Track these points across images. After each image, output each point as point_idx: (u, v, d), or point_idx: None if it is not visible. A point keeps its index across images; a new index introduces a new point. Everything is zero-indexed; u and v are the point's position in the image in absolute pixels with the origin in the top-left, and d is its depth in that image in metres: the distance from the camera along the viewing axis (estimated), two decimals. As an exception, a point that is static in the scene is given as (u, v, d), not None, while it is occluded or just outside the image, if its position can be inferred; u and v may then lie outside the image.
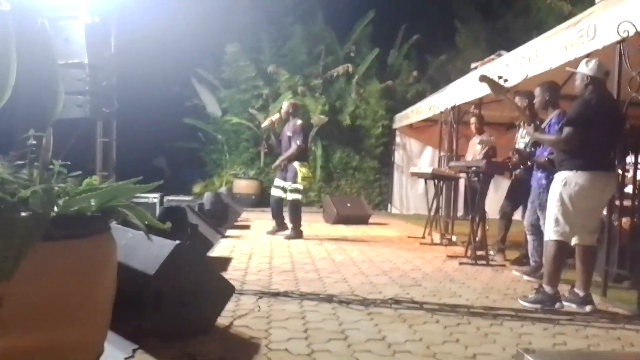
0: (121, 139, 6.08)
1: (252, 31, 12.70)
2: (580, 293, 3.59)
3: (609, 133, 3.59)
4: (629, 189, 4.48)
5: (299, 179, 6.64)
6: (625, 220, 4.13)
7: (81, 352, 1.64)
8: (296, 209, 6.74)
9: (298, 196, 6.75)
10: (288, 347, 2.55)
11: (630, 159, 4.08)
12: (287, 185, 6.73)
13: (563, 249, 3.64)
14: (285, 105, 7.13)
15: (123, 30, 5.66)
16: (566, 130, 3.57)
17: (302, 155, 6.78)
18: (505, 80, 3.98)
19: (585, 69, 3.66)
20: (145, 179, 1.86)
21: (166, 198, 7.17)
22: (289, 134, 6.81)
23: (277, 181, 6.97)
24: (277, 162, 6.93)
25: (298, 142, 6.65)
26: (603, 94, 3.65)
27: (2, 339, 1.47)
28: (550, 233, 3.66)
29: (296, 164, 6.67)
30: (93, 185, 1.62)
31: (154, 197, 6.80)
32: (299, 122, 6.84)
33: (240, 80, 12.47)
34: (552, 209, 3.65)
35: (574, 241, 3.61)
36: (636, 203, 4.24)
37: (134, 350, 2.34)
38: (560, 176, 3.63)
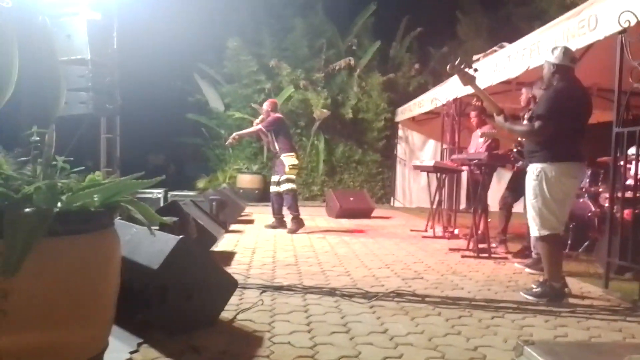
0: (124, 135, 6.13)
1: (252, 25, 12.69)
2: (556, 285, 3.55)
3: (578, 123, 3.56)
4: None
5: (287, 169, 6.80)
6: (627, 212, 4.13)
7: (86, 347, 1.66)
8: (292, 197, 6.84)
9: (291, 185, 6.87)
10: (291, 340, 2.57)
11: (632, 150, 4.06)
12: (280, 178, 6.89)
13: (557, 241, 3.62)
14: (265, 104, 7.31)
15: (125, 26, 5.67)
16: (537, 122, 3.53)
17: (286, 147, 6.92)
18: (476, 70, 3.96)
19: (551, 57, 3.62)
20: (148, 175, 1.88)
21: (170, 193, 7.24)
22: None
23: (273, 177, 7.16)
24: (233, 136, 7.23)
25: (262, 127, 6.94)
26: (571, 82, 3.59)
27: (8, 335, 1.48)
28: (539, 229, 3.60)
29: (283, 156, 6.86)
30: (96, 181, 1.64)
31: (158, 193, 6.88)
32: (276, 115, 7.04)
33: (242, 74, 12.47)
34: (534, 204, 3.58)
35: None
36: (637, 195, 4.23)
37: (139, 344, 2.37)
38: (534, 169, 3.59)
